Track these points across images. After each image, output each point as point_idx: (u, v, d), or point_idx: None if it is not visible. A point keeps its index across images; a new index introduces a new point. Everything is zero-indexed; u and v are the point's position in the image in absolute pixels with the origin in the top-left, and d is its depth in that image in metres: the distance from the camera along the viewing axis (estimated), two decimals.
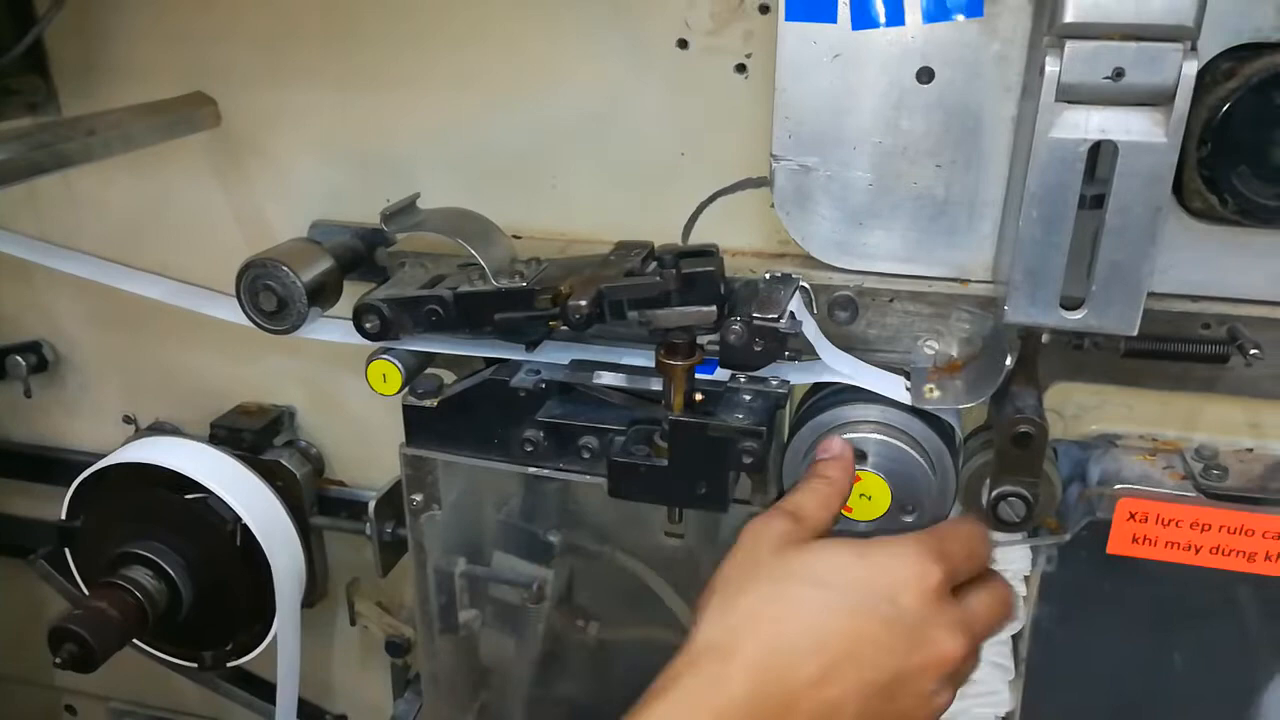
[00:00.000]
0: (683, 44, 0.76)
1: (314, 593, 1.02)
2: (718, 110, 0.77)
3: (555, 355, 0.79)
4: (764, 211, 0.77)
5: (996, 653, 0.78)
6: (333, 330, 0.83)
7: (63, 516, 1.00)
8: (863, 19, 0.65)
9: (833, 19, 0.65)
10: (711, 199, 0.80)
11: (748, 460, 0.69)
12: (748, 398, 0.72)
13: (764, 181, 0.77)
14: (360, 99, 0.85)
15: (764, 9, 0.72)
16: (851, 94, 0.69)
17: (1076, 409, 0.77)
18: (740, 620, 0.59)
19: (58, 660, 0.87)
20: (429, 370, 0.83)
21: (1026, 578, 0.76)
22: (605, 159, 0.81)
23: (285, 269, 0.79)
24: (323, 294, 0.82)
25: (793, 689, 0.56)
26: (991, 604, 0.62)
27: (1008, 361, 0.67)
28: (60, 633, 0.87)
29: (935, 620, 0.58)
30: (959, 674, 0.59)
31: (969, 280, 0.73)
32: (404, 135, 0.85)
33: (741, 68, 0.75)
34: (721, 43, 0.75)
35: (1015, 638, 0.78)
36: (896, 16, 0.64)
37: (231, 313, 0.84)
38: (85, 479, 0.98)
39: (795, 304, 0.70)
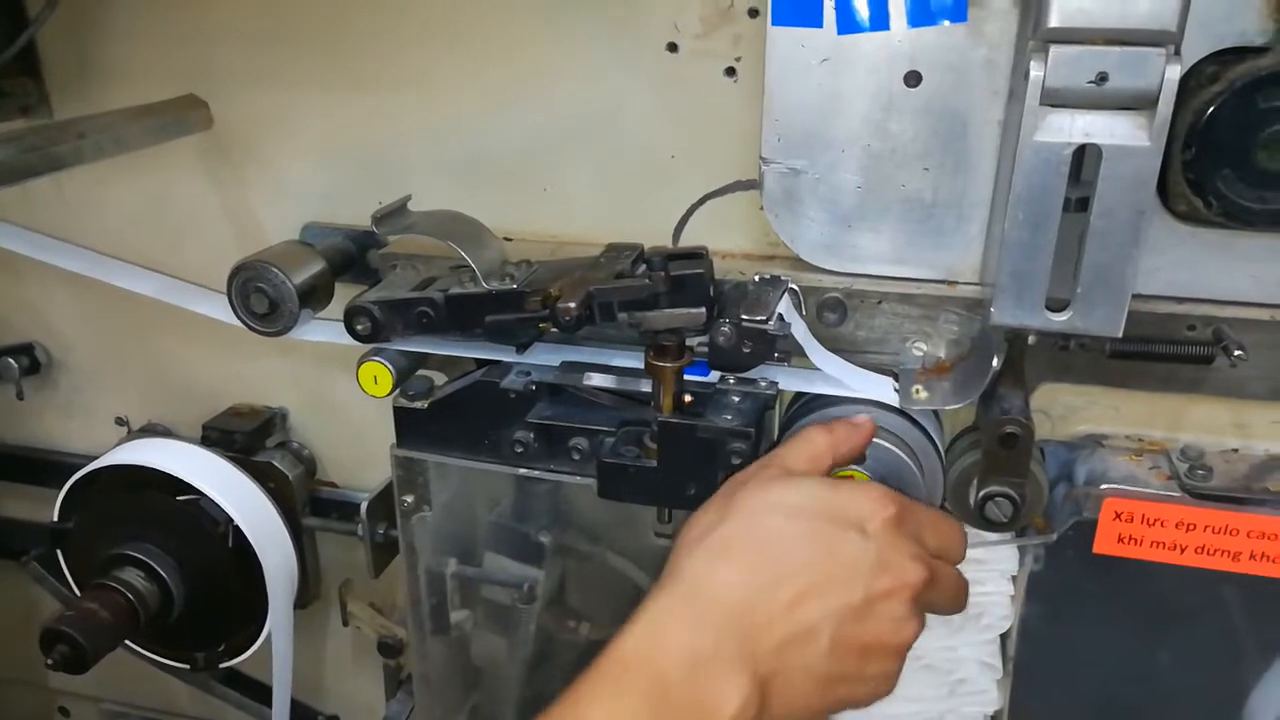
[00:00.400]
0: (672, 48, 0.76)
1: (306, 594, 1.03)
2: (707, 113, 0.77)
3: (546, 357, 0.79)
4: (754, 214, 0.78)
5: (985, 652, 0.79)
6: (324, 332, 0.83)
7: (55, 518, 1.00)
8: (848, 24, 0.65)
9: (818, 24, 0.65)
10: (701, 201, 0.80)
11: (736, 461, 0.69)
12: (736, 399, 0.72)
13: (754, 184, 0.77)
14: (352, 102, 0.85)
15: (753, 13, 0.73)
16: (840, 97, 0.69)
17: (1064, 410, 0.77)
18: (717, 549, 0.60)
19: (50, 661, 0.88)
20: (420, 372, 0.84)
21: (1014, 577, 0.76)
22: (596, 162, 0.82)
23: (277, 271, 0.79)
24: (314, 296, 0.82)
25: (769, 613, 0.57)
26: (943, 540, 0.65)
27: (995, 363, 0.67)
28: (52, 634, 0.87)
29: (899, 548, 0.60)
30: (924, 601, 0.61)
31: (957, 282, 0.73)
32: (395, 138, 0.86)
33: (731, 71, 0.75)
34: (711, 46, 0.75)
35: (1003, 637, 0.79)
36: (881, 21, 0.64)
37: (223, 311, 0.84)
38: (77, 481, 0.98)
39: (784, 306, 0.71)
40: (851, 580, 0.59)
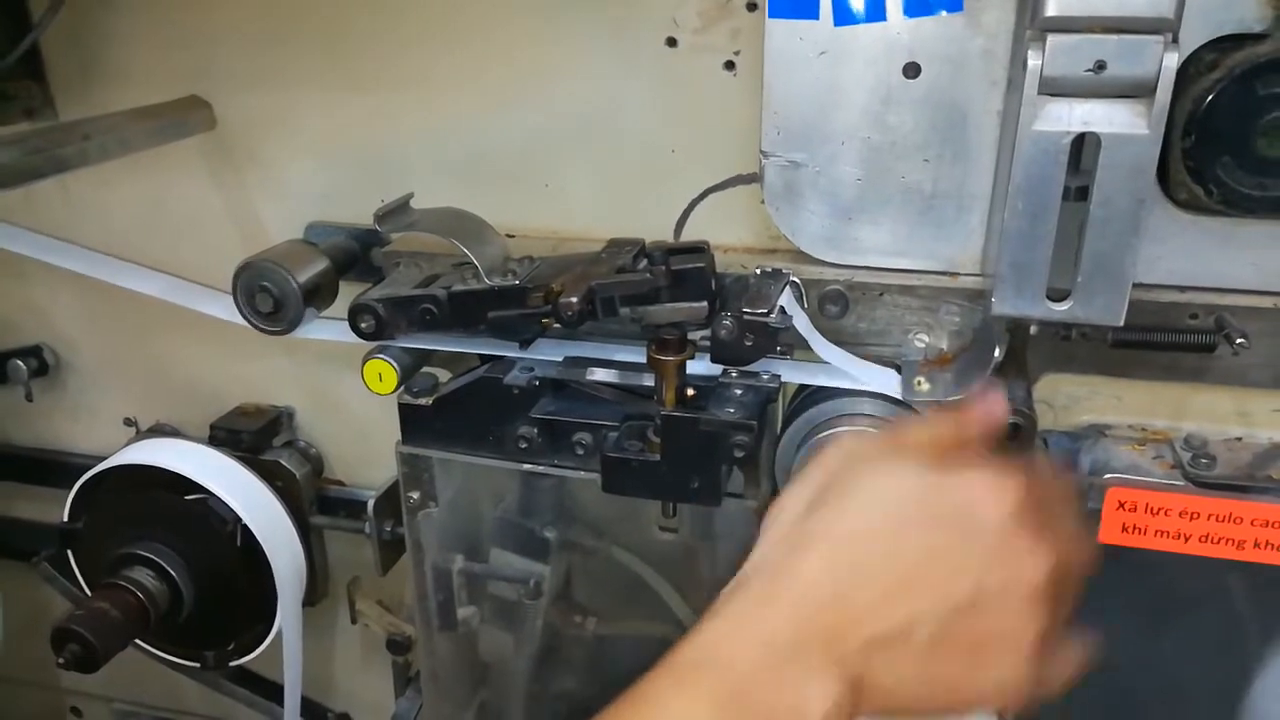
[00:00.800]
0: (671, 42, 0.76)
1: (315, 592, 1.03)
2: (707, 107, 0.77)
3: (549, 352, 0.79)
4: (755, 207, 0.78)
5: None
6: (329, 330, 0.84)
7: (65, 519, 1.00)
8: (844, 15, 0.65)
9: (814, 15, 0.66)
10: (703, 196, 0.80)
11: (739, 454, 0.69)
12: (739, 392, 0.72)
13: (754, 178, 0.77)
14: (353, 102, 0.86)
15: (751, 6, 0.73)
16: (839, 90, 0.69)
17: (1067, 400, 0.77)
18: (799, 540, 0.55)
19: (61, 660, 0.88)
20: (424, 369, 0.84)
21: None
22: (597, 157, 0.82)
23: (281, 270, 0.79)
24: (318, 294, 0.82)
25: (858, 609, 0.51)
26: (1078, 536, 0.56)
27: (996, 354, 0.68)
28: (63, 633, 0.88)
29: (1017, 535, 0.53)
30: (1051, 594, 0.53)
31: (958, 273, 0.73)
32: (397, 137, 0.86)
33: (730, 65, 0.76)
34: (710, 40, 0.75)
35: None
36: (878, 12, 0.64)
37: (229, 311, 0.85)
38: (86, 481, 0.98)
39: (786, 299, 0.71)
40: (956, 575, 0.52)
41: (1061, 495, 0.58)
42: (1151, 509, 0.69)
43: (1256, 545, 0.67)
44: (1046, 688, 0.55)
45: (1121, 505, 0.69)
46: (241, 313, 0.83)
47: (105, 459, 0.97)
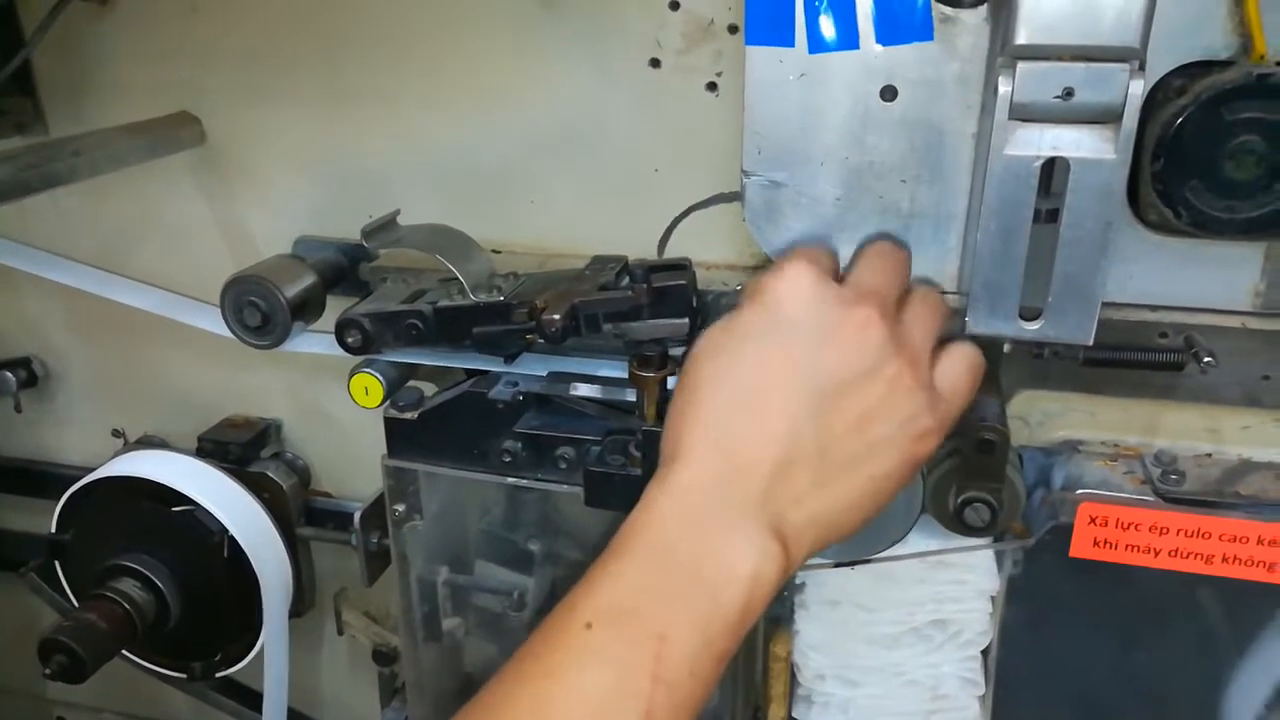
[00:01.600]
0: (655, 63, 0.77)
1: (301, 603, 1.04)
2: (690, 127, 0.79)
3: (533, 367, 0.80)
4: (737, 225, 0.79)
5: (965, 668, 0.80)
6: (316, 344, 0.85)
7: (53, 530, 1.01)
8: (818, 43, 0.67)
9: (790, 43, 0.67)
10: (685, 213, 0.82)
11: None
12: None
13: (736, 196, 0.79)
14: (342, 118, 0.87)
15: (733, 29, 0.74)
16: (818, 112, 0.71)
17: (1041, 416, 0.78)
18: (679, 413, 0.58)
19: (48, 671, 0.89)
20: (410, 383, 0.85)
21: (993, 597, 0.77)
22: (582, 175, 0.83)
23: (269, 285, 0.81)
24: (306, 309, 0.83)
25: (738, 458, 0.54)
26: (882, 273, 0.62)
27: None
28: (50, 644, 0.89)
29: (828, 303, 0.56)
30: (897, 334, 0.57)
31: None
32: (385, 153, 0.87)
33: (712, 86, 0.77)
34: (692, 62, 0.77)
35: (984, 652, 0.80)
36: (850, 40, 0.66)
37: (217, 324, 0.85)
38: (75, 492, 0.99)
39: None
40: (800, 364, 0.54)
41: (873, 263, 0.63)
42: (1123, 524, 0.70)
43: (1225, 560, 0.69)
44: (951, 402, 0.58)
45: (1093, 520, 0.70)
46: (230, 326, 0.83)
47: (93, 470, 0.98)
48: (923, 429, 0.57)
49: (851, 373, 0.55)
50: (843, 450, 0.54)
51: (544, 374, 0.80)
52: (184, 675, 1.04)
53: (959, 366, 0.61)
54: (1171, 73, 0.64)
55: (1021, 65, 0.58)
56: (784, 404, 0.54)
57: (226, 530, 0.94)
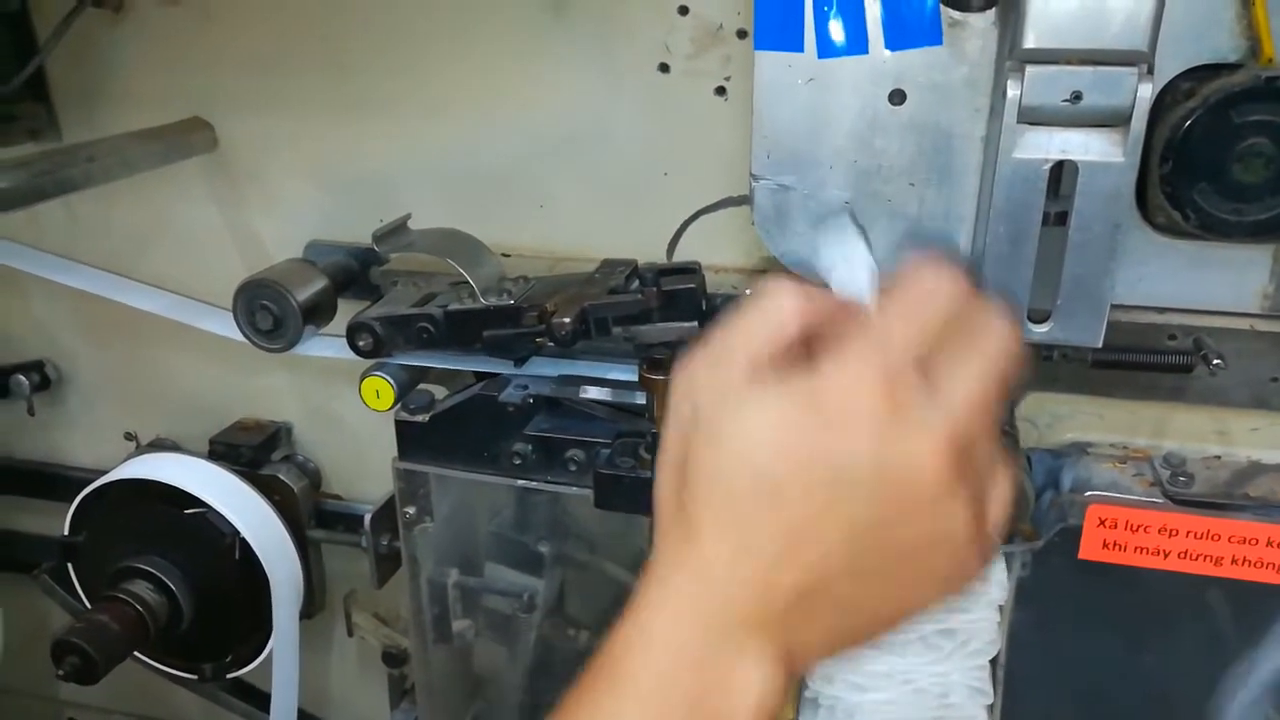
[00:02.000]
0: (664, 68, 0.78)
1: (312, 604, 1.04)
2: (699, 131, 0.79)
3: (543, 370, 0.81)
4: (745, 229, 0.80)
5: (974, 677, 0.79)
6: (327, 347, 0.85)
7: (65, 532, 1.01)
8: (827, 48, 0.67)
9: (799, 48, 0.67)
10: (694, 217, 0.82)
11: None
12: None
13: (745, 200, 0.79)
14: (353, 123, 0.88)
15: (741, 34, 0.75)
16: (826, 116, 0.71)
17: (1050, 418, 0.79)
18: (682, 504, 0.47)
19: (61, 672, 0.89)
20: (421, 386, 0.85)
21: (1001, 607, 0.77)
22: (591, 179, 0.84)
23: (281, 288, 0.81)
24: (318, 312, 0.84)
25: (754, 575, 0.45)
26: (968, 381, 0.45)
27: None
28: (63, 645, 0.89)
29: (902, 425, 0.43)
30: (964, 463, 0.44)
31: None
32: (396, 158, 0.88)
33: (721, 90, 0.77)
34: (701, 66, 0.77)
35: (993, 661, 0.79)
36: (859, 45, 0.66)
37: (229, 328, 0.86)
38: (87, 495, 1.00)
39: None
40: (853, 491, 0.44)
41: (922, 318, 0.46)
42: (1131, 526, 0.70)
43: (1234, 561, 0.69)
44: (990, 546, 0.47)
45: (1102, 522, 0.70)
46: (242, 330, 0.84)
47: (106, 473, 0.98)
48: (967, 577, 0.48)
49: (905, 515, 0.45)
50: (872, 591, 0.47)
51: (554, 377, 0.80)
52: (195, 677, 1.05)
53: (1005, 510, 0.49)
54: (1180, 76, 0.64)
55: (1030, 69, 0.59)
56: (822, 532, 0.45)
57: (238, 532, 0.94)
